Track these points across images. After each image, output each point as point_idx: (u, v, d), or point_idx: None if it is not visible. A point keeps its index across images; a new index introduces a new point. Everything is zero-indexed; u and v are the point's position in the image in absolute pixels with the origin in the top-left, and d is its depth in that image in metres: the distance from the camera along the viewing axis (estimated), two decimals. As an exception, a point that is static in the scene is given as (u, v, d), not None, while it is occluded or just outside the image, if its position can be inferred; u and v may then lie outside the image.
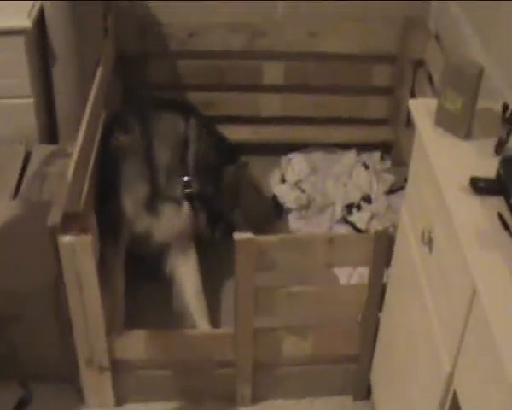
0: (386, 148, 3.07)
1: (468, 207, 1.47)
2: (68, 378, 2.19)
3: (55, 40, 2.65)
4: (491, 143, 1.63)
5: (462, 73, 1.63)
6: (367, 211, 2.74)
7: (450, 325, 1.46)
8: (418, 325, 1.69)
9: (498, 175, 1.51)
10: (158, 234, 2.39)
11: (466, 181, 1.51)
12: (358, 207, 2.78)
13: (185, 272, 2.44)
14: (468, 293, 1.36)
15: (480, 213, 1.45)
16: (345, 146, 3.05)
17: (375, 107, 3.02)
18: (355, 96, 3.00)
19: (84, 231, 1.88)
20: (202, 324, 2.34)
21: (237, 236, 1.92)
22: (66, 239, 1.87)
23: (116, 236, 2.38)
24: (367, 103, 3.01)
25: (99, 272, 1.95)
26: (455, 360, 1.44)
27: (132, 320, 2.29)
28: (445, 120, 1.68)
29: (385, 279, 2.01)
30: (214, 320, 2.35)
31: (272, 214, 2.80)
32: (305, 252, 1.95)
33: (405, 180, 2.81)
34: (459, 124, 1.66)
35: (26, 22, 2.52)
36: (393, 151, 3.04)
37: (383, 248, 1.94)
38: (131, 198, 2.34)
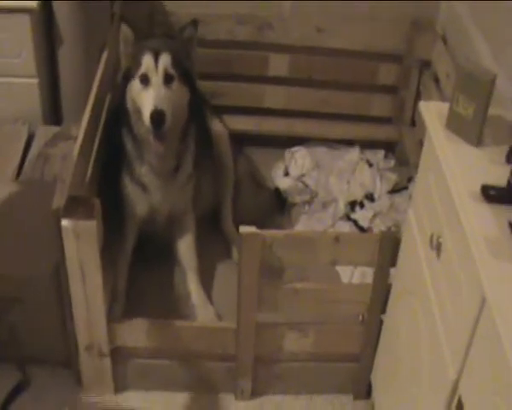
0: (389, 146, 3.08)
1: (479, 215, 1.47)
2: (67, 364, 2.18)
3: (62, 22, 2.63)
4: (502, 150, 1.63)
5: (476, 79, 1.63)
6: (370, 209, 2.75)
7: (457, 332, 1.46)
8: (423, 329, 1.69)
9: (509, 183, 1.51)
10: (159, 210, 2.40)
11: (477, 188, 1.51)
12: (361, 205, 2.79)
13: (181, 232, 2.50)
14: (476, 301, 1.37)
15: (490, 221, 1.45)
16: (347, 142, 3.06)
17: (380, 105, 3.03)
18: (360, 94, 3.01)
19: (88, 216, 1.86)
20: (191, 276, 2.42)
21: (243, 229, 1.91)
22: (69, 223, 1.85)
23: (123, 224, 2.40)
24: (371, 101, 3.02)
25: (103, 258, 1.94)
26: (461, 367, 1.45)
27: (133, 307, 2.30)
28: (456, 125, 1.68)
29: (389, 280, 2.01)
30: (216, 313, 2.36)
31: (274, 207, 2.81)
32: (311, 249, 1.95)
33: (409, 180, 2.86)
34: (471, 130, 1.66)
35: (32, 2, 2.50)
36: (397, 150, 3.05)
37: (389, 249, 1.95)
38: (129, 178, 2.34)
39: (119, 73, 2.30)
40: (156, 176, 2.31)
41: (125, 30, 2.22)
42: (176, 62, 2.17)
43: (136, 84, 2.17)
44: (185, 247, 2.49)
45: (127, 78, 2.21)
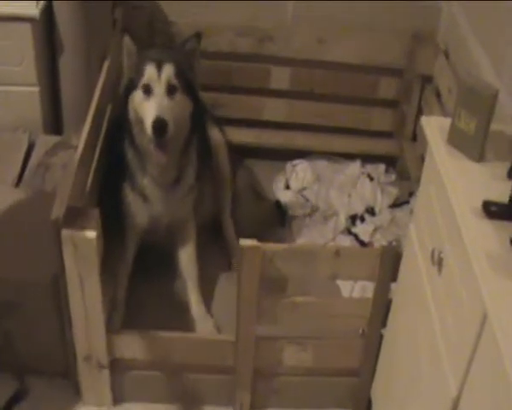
0: (390, 161, 3.08)
1: (480, 231, 1.46)
2: (65, 374, 2.17)
3: (63, 30, 2.63)
4: (503, 166, 1.63)
5: (478, 94, 1.63)
6: (370, 223, 2.75)
7: (458, 348, 1.46)
8: (423, 344, 1.68)
9: (511, 200, 1.51)
10: (159, 220, 2.39)
11: (478, 204, 1.51)
12: (362, 219, 2.79)
13: (182, 242, 2.49)
14: (478, 317, 1.36)
15: (492, 237, 1.45)
16: (348, 156, 3.06)
17: (381, 119, 3.03)
18: (361, 107, 3.01)
19: (87, 226, 1.86)
20: (191, 287, 2.42)
21: (243, 242, 1.91)
22: (68, 234, 1.85)
23: (123, 234, 2.40)
24: (372, 115, 3.02)
25: (103, 267, 1.94)
26: (462, 383, 1.44)
27: (132, 317, 2.30)
28: (457, 141, 1.68)
29: (390, 295, 2.01)
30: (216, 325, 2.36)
31: (274, 220, 2.80)
32: (311, 262, 1.94)
33: (410, 194, 2.86)
34: (472, 145, 1.66)
35: (33, 10, 2.50)
36: (398, 165, 3.05)
37: (389, 264, 1.94)
38: (130, 188, 2.33)
39: (121, 84, 2.30)
40: (157, 187, 2.31)
41: (127, 41, 2.22)
42: (179, 73, 2.16)
43: (138, 94, 2.17)
44: (186, 258, 2.48)
45: (130, 88, 2.20)
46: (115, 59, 2.58)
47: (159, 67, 2.15)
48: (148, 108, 2.13)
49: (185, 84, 2.18)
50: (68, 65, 2.69)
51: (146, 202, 2.34)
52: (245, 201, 2.78)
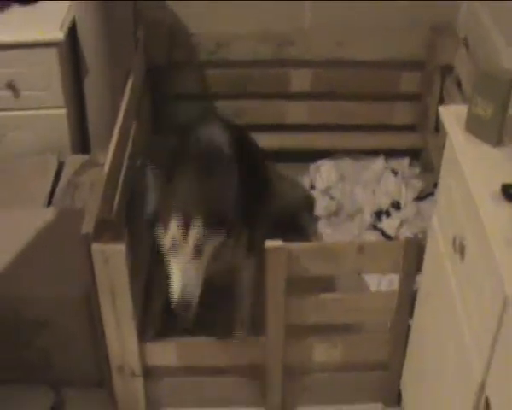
0: (414, 154, 3.06)
1: (500, 215, 1.46)
2: (100, 384, 2.20)
3: (87, 52, 2.69)
4: (522, 150, 1.63)
5: (494, 79, 1.63)
6: (396, 217, 2.74)
7: (482, 333, 1.45)
8: (449, 332, 1.68)
9: (530, 182, 1.51)
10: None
11: (497, 188, 1.51)
12: (387, 214, 2.78)
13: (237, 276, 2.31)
14: (500, 301, 1.35)
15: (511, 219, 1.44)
16: (372, 153, 3.05)
17: (403, 113, 3.01)
18: (383, 103, 2.99)
19: (116, 239, 1.89)
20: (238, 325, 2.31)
21: (268, 243, 1.92)
22: (98, 247, 1.89)
23: None
24: (395, 110, 3.00)
25: (133, 279, 1.97)
26: (486, 368, 1.43)
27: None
28: (475, 127, 1.68)
29: (415, 286, 2.00)
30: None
31: (308, 202, 2.81)
32: (336, 260, 1.95)
33: (434, 186, 2.83)
34: (490, 131, 1.65)
35: (58, 34, 2.57)
36: (422, 157, 3.03)
37: (413, 256, 1.94)
38: None
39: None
40: None
41: (149, 175, 2.01)
42: (208, 224, 1.90)
43: (163, 238, 1.94)
44: (240, 290, 2.32)
45: (155, 220, 1.97)
46: (138, 77, 2.62)
47: (185, 226, 1.88)
48: (172, 271, 1.90)
49: (217, 222, 1.92)
50: (93, 85, 2.75)
51: None
52: (278, 187, 2.71)
